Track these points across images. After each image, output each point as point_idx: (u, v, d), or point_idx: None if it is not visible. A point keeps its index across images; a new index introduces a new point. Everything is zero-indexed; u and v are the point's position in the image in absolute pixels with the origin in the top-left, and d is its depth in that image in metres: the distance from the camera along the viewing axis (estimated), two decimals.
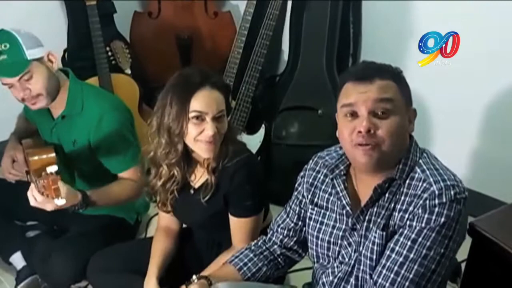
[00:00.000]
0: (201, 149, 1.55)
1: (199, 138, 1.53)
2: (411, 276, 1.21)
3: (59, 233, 2.18)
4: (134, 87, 2.76)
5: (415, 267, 1.21)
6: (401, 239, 1.24)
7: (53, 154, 1.81)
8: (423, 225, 1.21)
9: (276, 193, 1.99)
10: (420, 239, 1.21)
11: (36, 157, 1.79)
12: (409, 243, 1.22)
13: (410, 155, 1.29)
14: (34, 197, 1.62)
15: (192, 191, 1.68)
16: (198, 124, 1.52)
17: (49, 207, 1.64)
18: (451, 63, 2.27)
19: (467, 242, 1.55)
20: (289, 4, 2.66)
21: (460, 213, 1.22)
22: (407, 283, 1.21)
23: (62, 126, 1.96)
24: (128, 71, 2.77)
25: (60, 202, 1.61)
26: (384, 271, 1.24)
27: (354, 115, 1.24)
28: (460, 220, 1.22)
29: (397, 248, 1.23)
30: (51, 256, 1.89)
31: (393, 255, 1.23)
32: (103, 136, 1.91)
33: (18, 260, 2.07)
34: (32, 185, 1.65)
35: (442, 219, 1.20)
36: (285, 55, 2.77)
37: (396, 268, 1.22)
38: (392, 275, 1.23)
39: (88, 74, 2.62)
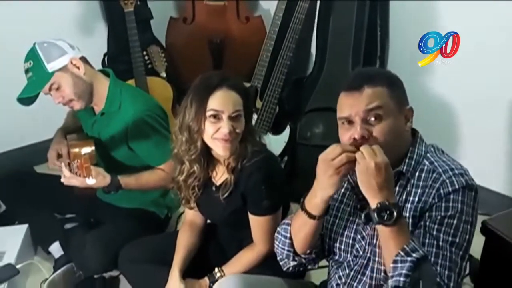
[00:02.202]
0: (218, 147, 1.62)
1: (216, 136, 1.60)
2: (448, 263, 1.22)
3: (95, 225, 2.30)
4: (168, 90, 2.87)
5: (447, 254, 1.23)
6: (425, 230, 1.26)
7: (93, 147, 1.95)
8: (442, 213, 1.25)
9: (301, 192, 2.03)
10: (444, 228, 1.24)
11: (77, 149, 1.95)
12: (434, 233, 1.25)
13: (416, 149, 1.34)
14: (64, 174, 1.84)
15: (214, 189, 1.75)
16: (215, 123, 1.59)
17: (74, 182, 1.86)
18: (478, 61, 2.28)
19: (481, 240, 1.57)
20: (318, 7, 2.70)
21: (475, 199, 1.27)
22: (446, 272, 1.22)
23: (101, 122, 2.10)
24: (164, 75, 2.87)
25: (91, 181, 1.83)
26: None
27: (350, 123, 1.31)
28: (476, 207, 1.27)
29: (426, 241, 1.25)
30: (85, 246, 2.02)
31: (426, 248, 1.24)
32: (139, 134, 2.03)
33: (56, 249, 2.18)
34: (63, 164, 1.86)
35: (459, 206, 1.24)
36: (314, 58, 2.81)
37: (432, 259, 1.23)
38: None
39: (126, 77, 2.73)
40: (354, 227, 1.41)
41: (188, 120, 1.62)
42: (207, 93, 1.59)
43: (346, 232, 1.43)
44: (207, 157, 1.71)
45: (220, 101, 1.59)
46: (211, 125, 1.59)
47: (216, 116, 1.59)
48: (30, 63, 1.94)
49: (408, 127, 1.35)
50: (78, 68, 1.97)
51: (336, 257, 1.47)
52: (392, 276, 1.18)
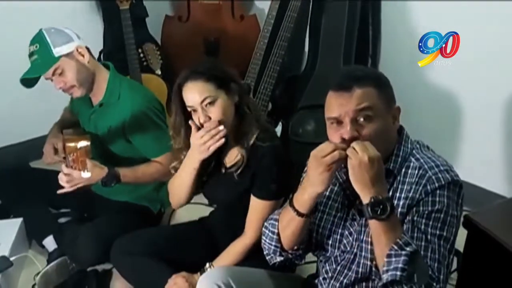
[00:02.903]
0: None
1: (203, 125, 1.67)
2: (437, 256, 1.25)
3: (88, 219, 2.31)
4: (163, 87, 2.89)
5: (436, 247, 1.25)
6: (413, 225, 1.28)
7: (89, 142, 1.99)
8: (430, 208, 1.28)
9: (291, 188, 2.05)
10: (431, 222, 1.27)
11: (72, 144, 1.98)
12: (422, 227, 1.27)
13: (402, 147, 1.37)
14: (62, 178, 1.92)
15: (223, 171, 1.80)
16: (196, 115, 1.67)
17: (76, 181, 1.93)
18: (473, 60, 2.29)
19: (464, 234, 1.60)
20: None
21: (459, 195, 1.30)
22: (436, 264, 1.24)
23: (99, 113, 2.13)
24: (159, 72, 2.90)
25: (86, 175, 1.90)
26: None
27: (339, 123, 1.32)
28: (461, 202, 1.30)
29: (415, 235, 1.27)
30: (78, 238, 2.05)
31: (414, 242, 1.25)
32: (137, 125, 2.07)
33: (50, 243, 2.22)
34: (61, 173, 1.89)
35: (446, 200, 1.27)
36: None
37: (422, 253, 1.25)
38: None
39: (121, 74, 2.77)
40: (342, 223, 1.44)
41: (173, 120, 1.73)
42: (179, 93, 1.68)
43: (334, 228, 1.45)
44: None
45: (187, 96, 1.67)
46: (194, 117, 1.68)
47: (194, 110, 1.67)
48: (36, 46, 1.97)
49: (396, 126, 1.38)
50: (83, 56, 2.02)
51: (324, 252, 1.49)
52: (388, 270, 1.20)
